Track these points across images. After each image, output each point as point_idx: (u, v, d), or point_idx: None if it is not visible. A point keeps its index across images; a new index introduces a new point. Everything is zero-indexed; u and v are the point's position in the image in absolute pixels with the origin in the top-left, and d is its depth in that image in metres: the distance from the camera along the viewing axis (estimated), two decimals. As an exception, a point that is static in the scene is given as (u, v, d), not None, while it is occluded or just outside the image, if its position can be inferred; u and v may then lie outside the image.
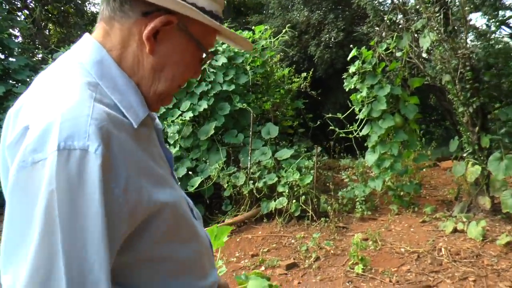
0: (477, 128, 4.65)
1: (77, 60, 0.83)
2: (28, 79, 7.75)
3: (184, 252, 0.93)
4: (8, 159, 0.75)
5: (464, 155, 4.90)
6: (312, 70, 7.69)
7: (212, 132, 5.53)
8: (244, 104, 5.69)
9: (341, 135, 5.77)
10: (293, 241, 4.61)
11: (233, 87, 5.76)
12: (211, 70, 5.81)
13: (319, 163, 5.43)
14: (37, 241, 0.65)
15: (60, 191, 0.65)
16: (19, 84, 7.72)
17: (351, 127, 5.52)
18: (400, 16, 5.04)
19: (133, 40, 0.84)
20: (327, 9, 10.28)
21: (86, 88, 0.76)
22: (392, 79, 5.27)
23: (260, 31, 6.47)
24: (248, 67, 5.94)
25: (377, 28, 5.37)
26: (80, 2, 12.04)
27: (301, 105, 7.36)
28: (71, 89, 0.75)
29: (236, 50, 5.97)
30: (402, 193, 5.43)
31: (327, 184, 6.30)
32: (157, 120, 1.02)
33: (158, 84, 0.88)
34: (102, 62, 0.82)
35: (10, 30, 8.74)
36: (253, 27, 6.60)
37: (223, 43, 6.02)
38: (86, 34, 0.88)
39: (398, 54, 5.23)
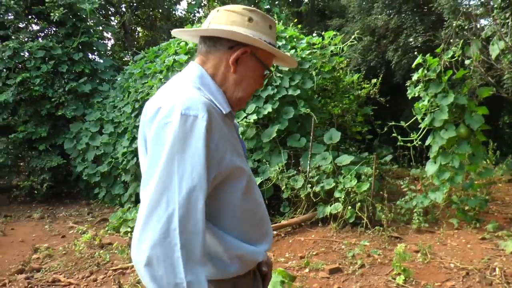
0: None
1: (187, 75, 1.30)
2: (112, 78, 8.55)
3: (255, 209, 1.35)
4: (146, 129, 1.21)
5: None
6: (389, 76, 7.57)
7: (275, 135, 5.74)
8: (307, 109, 5.81)
9: (412, 144, 5.65)
10: (343, 247, 4.67)
11: (298, 91, 5.91)
12: (278, 74, 6.02)
13: (377, 171, 5.39)
14: (162, 165, 1.07)
15: (179, 138, 1.08)
16: (104, 82, 8.55)
17: (412, 136, 5.41)
18: (468, 22, 4.84)
19: (222, 65, 1.31)
20: (406, 13, 9.99)
21: (195, 88, 1.23)
22: (459, 88, 5.08)
23: (329, 37, 6.54)
24: (314, 73, 6.05)
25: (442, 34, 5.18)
26: (166, 7, 12.87)
27: (369, 111, 7.30)
28: (186, 88, 1.22)
29: (303, 55, 6.11)
30: (466, 208, 5.22)
31: (386, 193, 6.26)
32: (235, 121, 1.45)
33: (238, 92, 1.33)
34: (202, 76, 1.29)
35: (104, 33, 9.67)
36: (323, 33, 6.69)
37: (290, 49, 6.20)
38: (192, 62, 1.36)
39: (467, 62, 5.05)
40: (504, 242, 4.37)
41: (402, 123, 5.64)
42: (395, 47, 10.24)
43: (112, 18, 13.87)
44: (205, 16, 12.20)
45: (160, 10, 13.02)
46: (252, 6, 14.48)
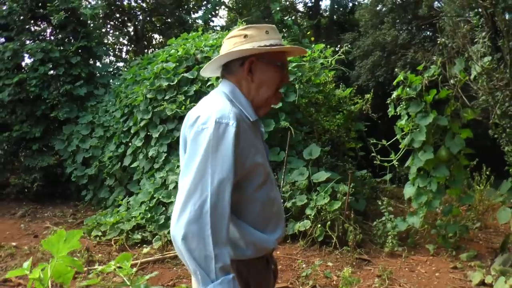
0: (526, 171, 4.11)
1: (222, 90, 1.57)
2: (108, 83, 8.64)
3: (270, 203, 1.55)
4: (187, 134, 1.45)
5: (512, 200, 4.35)
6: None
7: (253, 147, 5.62)
8: (286, 123, 5.67)
9: (390, 164, 5.44)
10: (304, 265, 4.49)
11: (280, 104, 5.79)
12: (261, 86, 5.91)
13: (353, 190, 5.19)
14: (198, 163, 1.33)
15: (213, 140, 1.33)
16: (101, 87, 8.65)
17: (391, 156, 5.20)
18: (451, 40, 4.63)
19: (243, 79, 1.56)
20: (415, 29, 9.76)
21: (227, 101, 1.49)
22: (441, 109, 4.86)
23: (319, 49, 6.42)
24: (297, 86, 5.92)
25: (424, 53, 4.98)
26: (178, 14, 12.99)
27: (362, 127, 7.09)
28: (220, 100, 1.48)
29: (289, 68, 6.00)
30: (450, 234, 4.95)
31: (371, 213, 6.03)
32: (263, 130, 1.69)
33: (263, 94, 1.56)
34: (234, 90, 1.55)
35: (110, 38, 9.77)
36: (313, 46, 6.57)
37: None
38: (224, 79, 1.62)
39: (452, 81, 4.82)
40: (473, 273, 4.11)
41: (384, 142, 5.45)
42: (403, 63, 10.00)
43: (129, 24, 14.12)
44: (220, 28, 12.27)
45: (175, 18, 13.16)
46: (266, 18, 14.57)
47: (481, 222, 5.84)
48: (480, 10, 4.04)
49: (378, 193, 7.59)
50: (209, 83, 6.15)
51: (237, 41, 1.55)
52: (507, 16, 3.74)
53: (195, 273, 1.28)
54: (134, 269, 2.84)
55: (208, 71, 1.69)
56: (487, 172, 6.31)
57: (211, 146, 1.34)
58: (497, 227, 5.97)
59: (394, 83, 5.06)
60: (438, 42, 4.85)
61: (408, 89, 4.94)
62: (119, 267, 2.73)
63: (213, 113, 1.39)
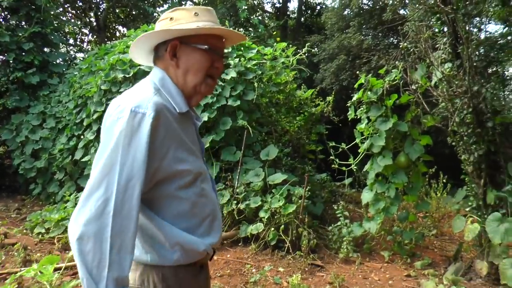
0: (482, 180, 4.05)
1: (150, 78, 1.43)
2: (63, 72, 8.18)
3: (200, 204, 1.40)
4: (106, 123, 1.27)
5: (467, 209, 4.29)
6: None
7: (207, 145, 5.39)
8: (244, 122, 5.46)
9: (348, 168, 5.33)
10: (254, 270, 4.29)
11: (238, 102, 5.58)
12: (220, 83, 5.68)
13: (309, 193, 5.04)
14: (108, 154, 1.18)
15: (126, 132, 1.19)
16: (55, 76, 8.18)
17: (350, 160, 5.09)
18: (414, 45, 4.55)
19: (170, 65, 1.43)
20: (380, 35, 9.78)
21: (153, 89, 1.34)
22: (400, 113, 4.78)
23: (281, 48, 6.25)
24: (256, 84, 5.72)
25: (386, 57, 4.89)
26: (148, 7, 12.60)
27: (323, 130, 6.97)
28: (144, 89, 1.34)
29: (248, 65, 5.79)
30: (405, 241, 4.87)
31: (328, 217, 5.91)
32: (198, 123, 1.54)
33: (190, 81, 1.41)
34: (163, 78, 1.41)
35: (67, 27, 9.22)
36: (275, 44, 6.40)
37: (236, 57, 5.89)
38: (156, 66, 1.47)
39: (413, 87, 4.74)
40: (426, 282, 4.03)
41: (343, 145, 5.34)
42: (368, 68, 10.00)
43: (91, 14, 13.55)
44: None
45: (139, 11, 12.71)
46: (232, 16, 14.34)
47: (437, 230, 5.84)
48: (441, 16, 3.95)
49: (337, 197, 7.52)
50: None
51: (163, 24, 1.43)
52: (467, 26, 3.66)
53: (82, 280, 1.12)
54: (57, 274, 2.56)
55: (140, 58, 1.56)
56: (444, 180, 6.32)
57: (123, 138, 1.20)
58: (452, 235, 5.97)
59: (356, 85, 4.95)
60: (401, 46, 4.76)
61: (369, 92, 4.84)
62: (41, 272, 2.45)
63: (131, 102, 1.25)
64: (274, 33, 13.98)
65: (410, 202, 5.14)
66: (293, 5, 32.26)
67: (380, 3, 10.72)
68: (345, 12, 12.27)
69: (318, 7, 18.51)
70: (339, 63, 10.95)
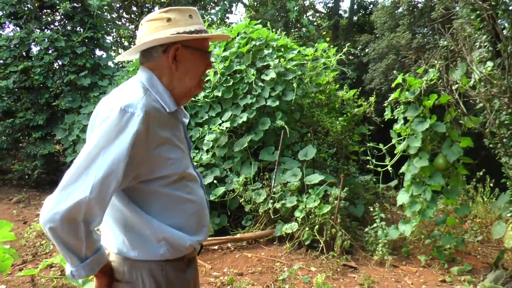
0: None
1: (138, 78, 1.46)
2: (113, 74, 8.62)
3: (186, 202, 1.45)
4: (97, 121, 1.34)
5: (508, 215, 4.12)
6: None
7: (246, 145, 5.51)
8: (282, 122, 5.52)
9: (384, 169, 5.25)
10: (285, 268, 4.36)
11: (277, 103, 5.65)
12: (259, 84, 5.78)
13: (345, 194, 5.01)
14: (90, 148, 1.24)
15: (113, 129, 1.25)
16: (104, 78, 8.65)
17: (386, 161, 5.02)
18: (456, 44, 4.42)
19: (165, 67, 1.45)
20: (430, 33, 9.48)
21: (142, 89, 1.37)
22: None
23: (322, 49, 6.25)
24: (295, 84, 5.76)
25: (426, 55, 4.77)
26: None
27: (366, 130, 6.89)
28: (133, 89, 1.38)
29: (288, 66, 5.85)
30: (445, 246, 4.74)
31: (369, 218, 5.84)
32: (186, 120, 1.58)
33: (187, 83, 1.47)
34: (151, 78, 1.44)
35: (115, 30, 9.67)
36: (316, 44, 6.40)
37: (276, 58, 5.95)
38: (142, 67, 1.49)
39: (454, 87, 4.61)
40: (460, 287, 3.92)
41: (381, 146, 5.28)
42: (417, 68, 9.70)
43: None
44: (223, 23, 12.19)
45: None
46: (282, 16, 14.37)
47: (484, 236, 5.59)
48: (481, 13, 3.83)
49: (381, 199, 7.40)
50: (207, 77, 6.05)
51: (159, 25, 1.43)
52: (505, 22, 3.53)
53: (65, 257, 1.29)
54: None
55: (128, 55, 1.59)
56: (491, 184, 6.04)
57: (108, 134, 1.25)
58: (500, 242, 5.71)
59: (393, 85, 4.88)
60: (440, 45, 4.65)
61: (407, 92, 4.76)
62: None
63: (122, 101, 1.30)
64: (324, 33, 13.89)
65: (451, 206, 4.98)
66: (346, 4, 31.82)
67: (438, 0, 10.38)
68: (398, 11, 11.98)
69: (371, 6, 18.16)
70: (388, 62, 10.72)
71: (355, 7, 18.43)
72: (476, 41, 4.02)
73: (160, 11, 1.46)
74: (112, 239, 1.46)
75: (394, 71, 4.78)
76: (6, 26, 8.84)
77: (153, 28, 1.43)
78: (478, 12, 3.97)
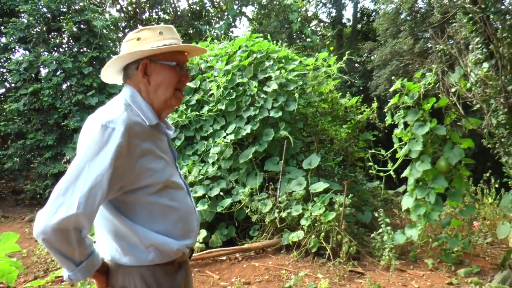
0: (526, 183, 3.90)
1: (121, 95, 1.56)
2: (118, 93, 8.81)
3: (172, 209, 1.54)
4: (83, 138, 1.47)
5: (511, 214, 4.13)
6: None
7: (251, 156, 5.59)
8: (285, 133, 5.60)
9: (386, 174, 5.28)
10: (292, 276, 4.40)
11: (280, 113, 5.73)
12: (262, 95, 5.88)
13: (350, 201, 5.05)
14: (77, 163, 1.35)
15: (96, 143, 1.35)
16: (111, 97, 8.83)
17: (389, 166, 5.06)
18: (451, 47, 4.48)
19: (141, 83, 1.56)
20: (431, 37, 9.51)
21: (123, 106, 1.47)
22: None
23: (323, 58, 6.34)
24: (297, 95, 5.84)
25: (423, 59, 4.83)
26: (201, 25, 13.02)
27: (370, 136, 6.93)
28: (116, 105, 1.48)
29: (289, 77, 5.95)
30: (452, 248, 4.75)
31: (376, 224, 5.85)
32: (170, 132, 1.67)
33: (161, 96, 1.55)
34: (133, 94, 1.55)
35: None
36: (317, 54, 6.50)
37: (276, 70, 6.06)
38: (126, 84, 1.60)
39: (452, 90, 4.66)
40: (468, 290, 3.92)
41: (382, 151, 5.32)
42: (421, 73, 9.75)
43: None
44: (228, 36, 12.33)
45: (194, 30, 13.31)
46: (285, 28, 14.49)
47: (494, 237, 5.57)
48: (473, 16, 3.89)
49: (389, 205, 7.41)
50: (211, 92, 6.17)
51: (131, 45, 1.55)
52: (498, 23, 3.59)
53: (62, 263, 1.39)
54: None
55: (110, 78, 1.69)
56: (496, 185, 6.03)
57: (91, 150, 1.35)
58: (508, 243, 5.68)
59: (391, 90, 4.94)
60: (437, 49, 4.71)
61: (405, 97, 4.81)
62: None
63: (104, 118, 1.40)
64: (327, 42, 14.01)
65: (455, 208, 4.99)
66: (349, 13, 31.95)
67: (437, 5, 10.44)
68: (400, 17, 12.05)
69: (374, 13, 18.27)
70: (392, 68, 10.78)
71: (359, 15, 18.57)
72: (470, 43, 4.07)
73: (134, 31, 1.60)
74: (106, 247, 1.55)
75: (392, 77, 4.83)
76: (16, 51, 9.13)
77: (126, 48, 1.56)
78: (470, 15, 4.03)
